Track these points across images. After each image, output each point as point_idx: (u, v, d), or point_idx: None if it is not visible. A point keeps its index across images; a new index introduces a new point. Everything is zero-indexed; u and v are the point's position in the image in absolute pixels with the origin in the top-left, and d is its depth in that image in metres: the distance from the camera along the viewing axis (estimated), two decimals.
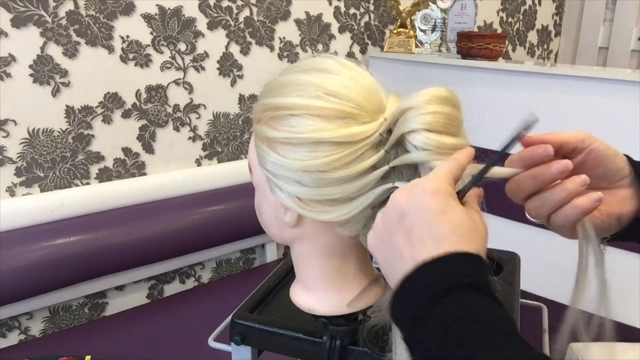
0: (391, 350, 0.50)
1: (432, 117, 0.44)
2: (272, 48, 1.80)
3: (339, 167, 0.46)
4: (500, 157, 0.43)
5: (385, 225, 0.41)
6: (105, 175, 1.51)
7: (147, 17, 1.49)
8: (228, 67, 1.70)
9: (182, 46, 1.58)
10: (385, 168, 0.47)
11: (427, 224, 0.38)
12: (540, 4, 2.91)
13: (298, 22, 1.84)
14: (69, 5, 1.35)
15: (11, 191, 1.35)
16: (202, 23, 1.60)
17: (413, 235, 0.38)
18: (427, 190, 0.39)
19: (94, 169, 1.49)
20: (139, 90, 1.52)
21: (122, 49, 1.46)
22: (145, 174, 1.59)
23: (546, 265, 1.52)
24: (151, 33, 1.51)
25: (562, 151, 0.47)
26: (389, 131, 0.47)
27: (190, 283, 1.78)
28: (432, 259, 0.37)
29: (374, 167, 0.47)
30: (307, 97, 0.47)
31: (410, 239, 0.38)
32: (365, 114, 0.47)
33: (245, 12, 1.70)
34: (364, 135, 0.46)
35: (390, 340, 0.50)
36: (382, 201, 0.48)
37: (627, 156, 0.49)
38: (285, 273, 0.81)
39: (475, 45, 1.73)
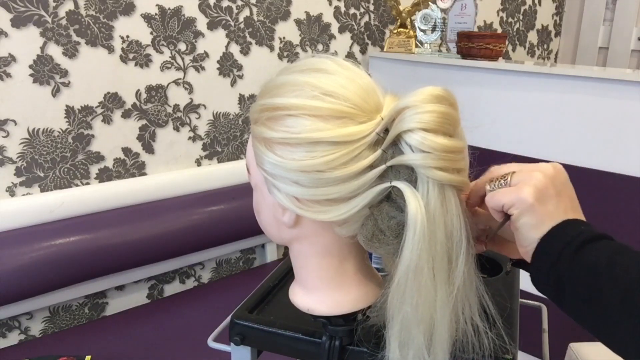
0: (385, 348, 0.50)
1: (428, 116, 0.44)
2: (272, 48, 1.80)
3: (336, 167, 0.46)
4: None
5: (556, 185, 0.48)
6: (105, 175, 1.51)
7: (147, 17, 1.49)
8: (228, 67, 1.70)
9: (182, 46, 1.58)
10: (382, 167, 0.47)
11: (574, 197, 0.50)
12: (540, 4, 2.91)
13: (298, 22, 1.84)
14: (69, 5, 1.35)
15: (11, 191, 1.35)
16: (202, 23, 1.61)
17: (573, 201, 0.49)
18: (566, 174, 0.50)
19: (94, 169, 1.49)
20: (139, 90, 1.52)
21: (122, 49, 1.46)
22: (145, 174, 1.59)
23: None
24: (151, 33, 1.51)
25: None
26: (386, 130, 0.47)
27: (190, 283, 1.78)
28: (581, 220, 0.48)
29: (371, 167, 0.47)
30: (304, 97, 0.47)
31: (571, 203, 0.48)
32: (362, 113, 0.47)
33: (245, 12, 1.70)
34: (361, 135, 0.46)
35: (384, 338, 0.50)
36: (379, 201, 0.48)
37: None
38: (285, 273, 0.81)
39: (475, 45, 1.73)
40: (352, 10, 2.00)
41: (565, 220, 0.46)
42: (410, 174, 0.46)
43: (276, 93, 0.49)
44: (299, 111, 0.47)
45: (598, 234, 0.45)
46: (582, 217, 0.48)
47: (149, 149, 1.58)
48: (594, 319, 0.43)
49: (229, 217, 1.63)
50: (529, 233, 0.47)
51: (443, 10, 1.94)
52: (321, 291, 0.57)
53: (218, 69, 1.68)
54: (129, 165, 1.55)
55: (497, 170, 0.51)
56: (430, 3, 1.95)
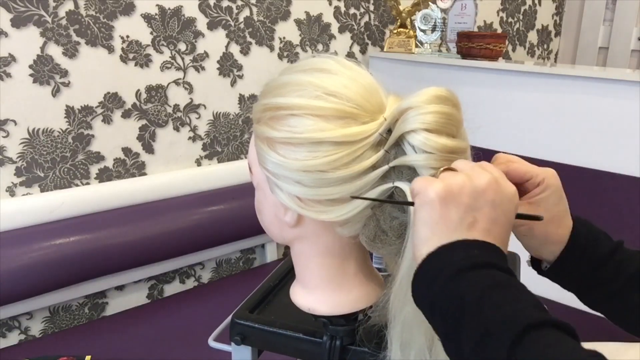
0: (387, 348, 0.50)
1: (431, 117, 0.44)
2: (272, 48, 1.80)
3: (338, 167, 0.46)
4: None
5: (478, 200, 0.41)
6: (105, 175, 1.51)
7: (147, 17, 1.49)
8: (228, 67, 1.70)
9: (182, 46, 1.58)
10: (385, 168, 0.47)
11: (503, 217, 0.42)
12: (540, 4, 2.91)
13: (298, 22, 1.84)
14: (69, 5, 1.35)
15: (11, 191, 1.35)
16: (202, 23, 1.60)
17: (493, 225, 0.41)
18: (516, 199, 0.43)
19: (94, 169, 1.49)
20: (139, 90, 1.52)
21: (122, 49, 1.46)
22: (145, 174, 1.59)
23: None
24: (151, 33, 1.51)
25: (526, 180, 0.50)
26: (389, 131, 0.47)
27: (190, 283, 1.78)
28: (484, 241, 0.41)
29: (373, 167, 0.47)
30: (307, 97, 0.47)
31: (488, 225, 0.41)
32: (365, 113, 0.47)
33: (245, 12, 1.70)
34: (363, 135, 0.46)
35: (386, 338, 0.50)
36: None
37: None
38: (285, 273, 0.81)
39: (475, 45, 1.73)
40: (352, 10, 2.00)
41: (461, 240, 0.40)
42: (413, 175, 0.46)
43: (279, 93, 0.49)
44: (301, 111, 0.47)
45: (489, 262, 0.39)
46: (496, 243, 0.41)
47: (149, 149, 1.58)
48: (452, 355, 0.39)
49: (229, 217, 1.63)
50: (420, 230, 0.41)
51: (443, 10, 1.94)
52: (322, 291, 0.57)
53: (218, 69, 1.68)
54: (129, 165, 1.55)
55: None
56: (430, 3, 1.95)
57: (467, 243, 0.40)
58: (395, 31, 2.02)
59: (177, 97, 1.60)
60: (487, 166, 0.43)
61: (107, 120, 1.48)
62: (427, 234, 0.41)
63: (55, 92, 1.37)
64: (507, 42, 2.74)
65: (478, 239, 0.40)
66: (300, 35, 1.86)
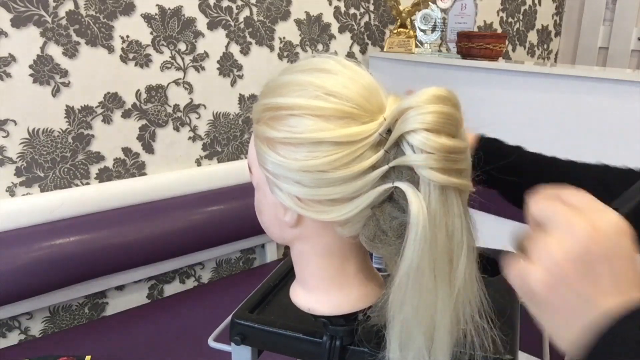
0: (386, 348, 0.50)
1: (431, 117, 0.44)
2: (272, 48, 1.80)
3: (338, 167, 0.46)
4: None
5: (590, 260, 0.34)
6: (105, 175, 1.51)
7: (147, 17, 1.49)
8: (228, 67, 1.70)
9: (182, 46, 1.58)
10: (385, 168, 0.47)
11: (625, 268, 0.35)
12: (540, 4, 2.91)
13: (298, 22, 1.84)
14: (69, 5, 1.35)
15: (11, 191, 1.35)
16: (202, 23, 1.60)
17: (617, 276, 0.35)
18: (622, 229, 0.35)
19: (94, 169, 1.49)
20: (139, 90, 1.52)
21: (122, 49, 1.46)
22: (145, 174, 1.59)
23: None
24: (151, 33, 1.51)
25: None
26: (389, 131, 0.47)
27: (190, 283, 1.78)
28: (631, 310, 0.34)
29: (373, 167, 0.47)
30: (307, 97, 0.47)
31: (611, 279, 0.35)
32: (364, 113, 0.47)
33: (245, 12, 1.70)
34: (363, 135, 0.46)
35: (385, 338, 0.50)
36: (381, 201, 0.48)
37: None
38: (285, 273, 0.81)
39: (475, 45, 1.73)
40: (352, 10, 2.00)
41: (598, 319, 0.33)
42: (412, 175, 0.46)
43: (279, 93, 0.49)
44: (301, 111, 0.47)
45: None
46: (630, 292, 0.34)
47: (149, 149, 1.58)
48: None
49: (229, 217, 1.63)
50: (544, 321, 0.37)
51: (443, 10, 1.94)
52: (322, 291, 0.57)
53: (218, 69, 1.68)
54: (129, 165, 1.55)
55: (539, 202, 0.38)
56: (430, 3, 1.95)
57: (611, 320, 0.33)
58: (395, 31, 2.02)
59: (177, 97, 1.61)
60: (576, 208, 0.36)
61: (107, 120, 1.48)
62: (554, 324, 0.37)
63: (55, 92, 1.37)
64: (507, 42, 2.74)
65: (620, 310, 0.33)
66: (300, 35, 1.86)
